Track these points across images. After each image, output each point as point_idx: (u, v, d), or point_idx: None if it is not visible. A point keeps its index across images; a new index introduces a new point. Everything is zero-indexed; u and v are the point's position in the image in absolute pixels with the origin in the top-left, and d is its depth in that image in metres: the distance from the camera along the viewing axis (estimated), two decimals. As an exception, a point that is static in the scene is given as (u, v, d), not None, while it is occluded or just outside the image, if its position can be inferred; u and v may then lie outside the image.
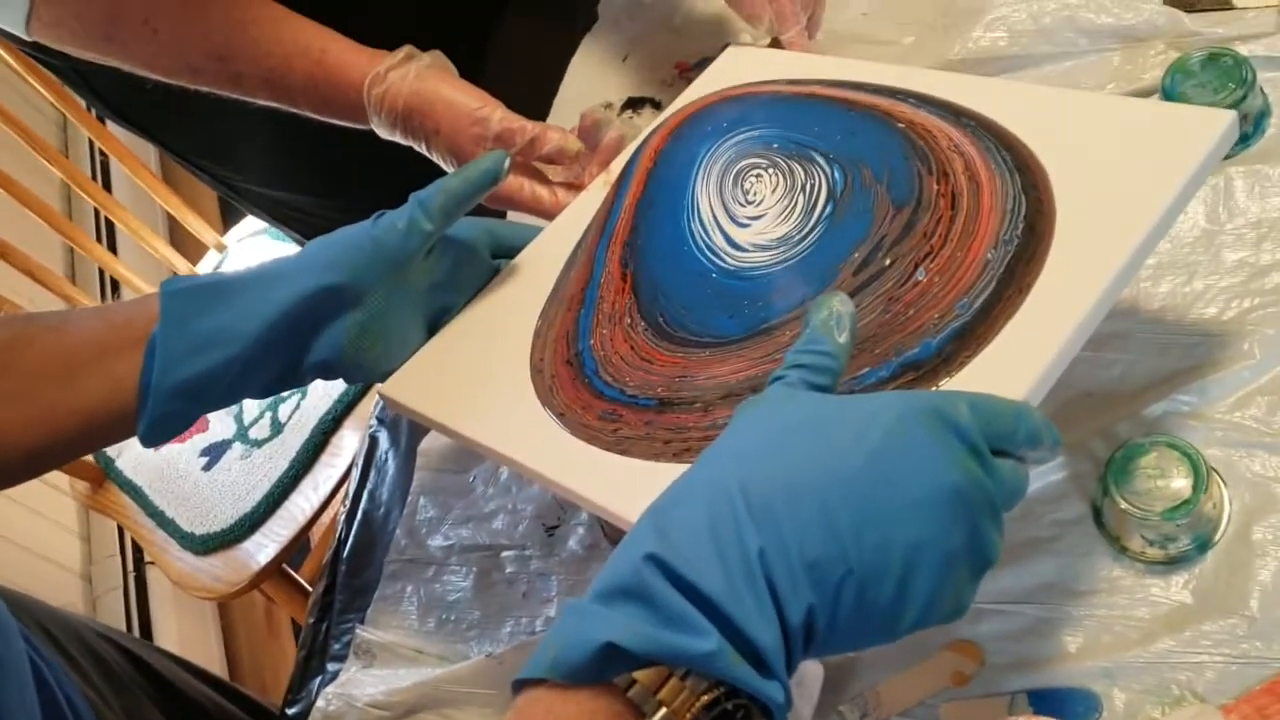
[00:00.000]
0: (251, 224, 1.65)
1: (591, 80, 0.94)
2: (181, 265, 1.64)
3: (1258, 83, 0.66)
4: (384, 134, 0.75)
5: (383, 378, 0.66)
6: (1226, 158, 0.67)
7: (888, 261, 0.56)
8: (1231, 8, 0.73)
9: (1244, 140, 0.67)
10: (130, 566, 1.82)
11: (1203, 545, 0.57)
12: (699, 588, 0.40)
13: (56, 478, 1.59)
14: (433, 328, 0.68)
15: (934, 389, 0.50)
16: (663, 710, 0.39)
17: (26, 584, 1.64)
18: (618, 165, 0.72)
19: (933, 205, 0.57)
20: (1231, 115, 0.53)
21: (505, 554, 0.74)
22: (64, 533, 1.82)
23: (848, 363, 0.48)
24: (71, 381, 0.59)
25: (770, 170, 0.64)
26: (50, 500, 1.75)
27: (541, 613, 0.71)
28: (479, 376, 0.64)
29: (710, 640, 0.39)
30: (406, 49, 0.74)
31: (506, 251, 0.71)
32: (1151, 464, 0.56)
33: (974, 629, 0.59)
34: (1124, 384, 0.63)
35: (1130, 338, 0.64)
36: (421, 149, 0.75)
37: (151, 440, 0.61)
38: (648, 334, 0.61)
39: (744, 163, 0.66)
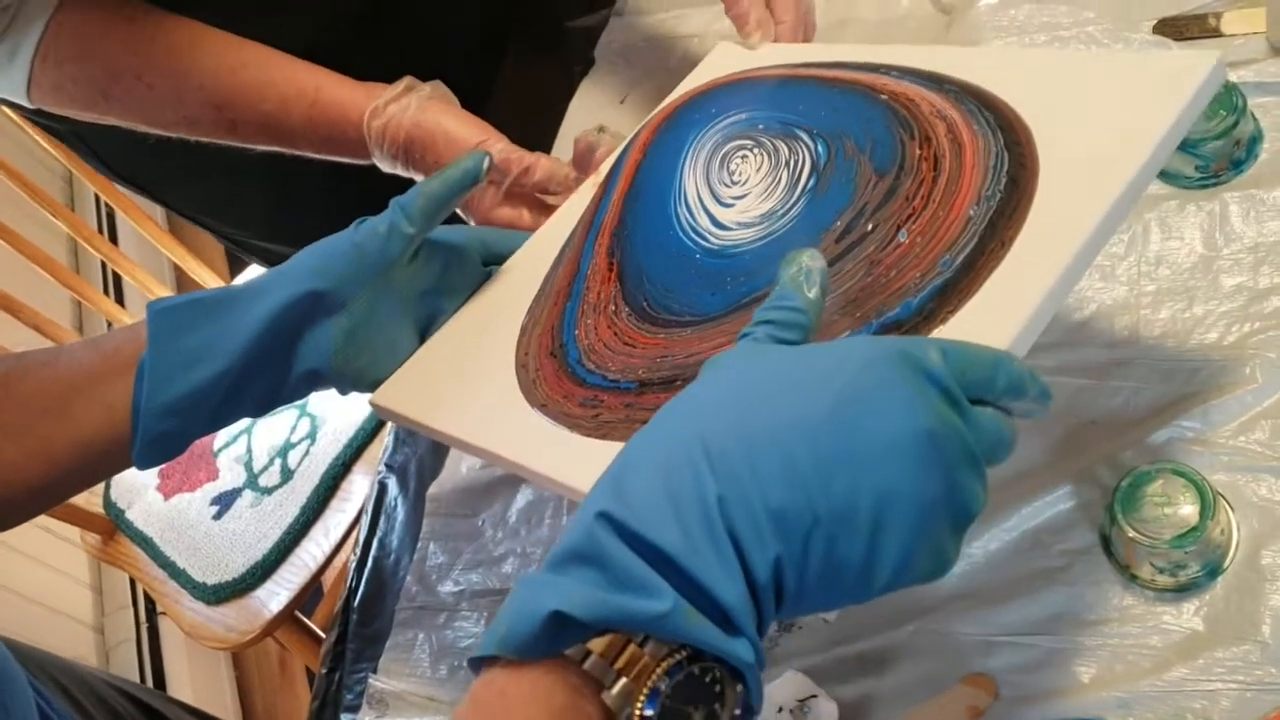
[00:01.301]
0: (256, 272, 1.66)
1: (590, 122, 0.94)
2: (188, 315, 1.65)
3: (1249, 108, 0.67)
4: (386, 167, 0.76)
5: (372, 386, 0.65)
6: (1221, 183, 0.67)
7: (870, 227, 0.55)
8: (1220, 34, 0.74)
9: (1237, 166, 0.68)
10: (143, 618, 1.82)
11: (1213, 571, 0.56)
12: (653, 542, 0.37)
13: (67, 530, 1.60)
14: (424, 335, 0.67)
15: None
16: (622, 681, 0.37)
17: (39, 637, 1.63)
18: (606, 165, 0.72)
19: (915, 169, 0.56)
20: (1215, 56, 0.52)
21: (516, 598, 0.74)
22: (76, 585, 1.82)
23: (819, 319, 0.46)
24: (66, 412, 0.59)
25: (755, 150, 0.64)
26: (61, 553, 1.76)
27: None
28: (465, 378, 0.64)
29: (665, 599, 0.36)
30: (406, 80, 0.74)
31: (497, 258, 0.70)
32: (1158, 491, 0.57)
33: (987, 662, 0.59)
34: (1128, 411, 0.63)
35: (1133, 365, 0.64)
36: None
37: (146, 462, 0.60)
38: (631, 319, 0.61)
39: (730, 145, 0.66)
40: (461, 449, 0.62)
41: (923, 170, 0.56)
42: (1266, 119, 0.69)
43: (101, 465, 0.61)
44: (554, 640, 0.37)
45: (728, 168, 0.65)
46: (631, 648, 0.37)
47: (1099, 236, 0.49)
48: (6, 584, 1.63)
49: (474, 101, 1.01)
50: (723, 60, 0.74)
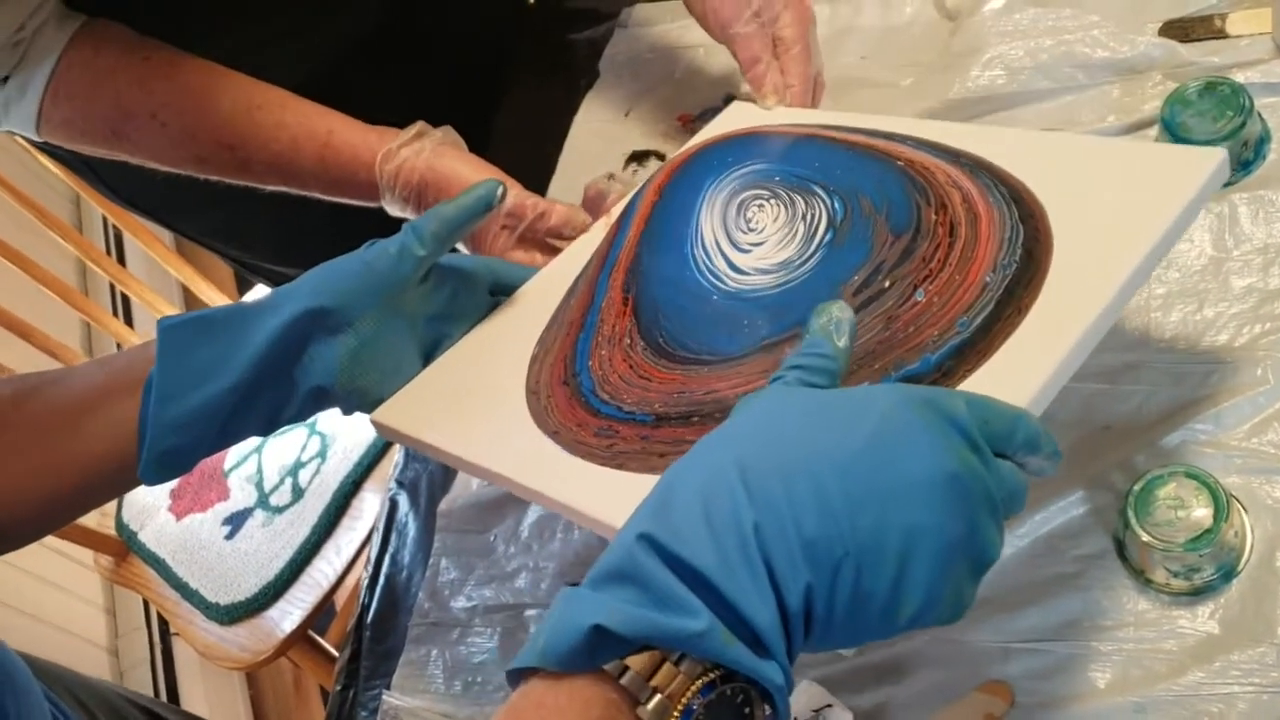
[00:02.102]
0: (264, 292, 1.66)
1: (595, 136, 0.95)
2: (198, 335, 1.65)
3: (1256, 109, 0.67)
4: (395, 211, 0.76)
5: (375, 406, 0.65)
6: (1229, 184, 0.67)
7: (887, 283, 0.56)
8: (1226, 36, 0.73)
9: (1245, 167, 0.68)
10: (156, 639, 1.82)
11: (1227, 574, 0.56)
12: (691, 564, 0.39)
13: (80, 553, 1.60)
14: (428, 358, 0.67)
15: None
16: (657, 697, 0.38)
17: (54, 659, 1.64)
18: (618, 208, 0.73)
19: (931, 233, 0.57)
20: (1221, 154, 0.54)
21: (529, 613, 0.74)
22: (89, 607, 1.82)
23: (847, 366, 0.47)
24: (75, 430, 0.59)
25: (772, 201, 0.65)
26: (74, 575, 1.76)
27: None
28: (473, 400, 0.64)
29: (701, 619, 0.38)
30: (418, 125, 0.75)
31: (505, 288, 0.71)
32: (1171, 495, 0.56)
33: (1003, 669, 0.59)
34: (1141, 415, 0.63)
35: (1145, 369, 0.64)
36: None
37: (153, 478, 0.60)
38: (646, 353, 0.61)
39: (747, 193, 0.67)
40: (467, 470, 0.62)
41: (939, 234, 0.57)
42: (1274, 119, 0.69)
43: (111, 482, 0.61)
44: (593, 654, 0.39)
45: (744, 215, 0.65)
46: (667, 665, 0.39)
47: (1109, 313, 0.50)
48: (20, 607, 1.63)
49: (479, 116, 1.02)
50: (738, 117, 0.76)
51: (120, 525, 1.49)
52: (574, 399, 0.60)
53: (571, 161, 0.94)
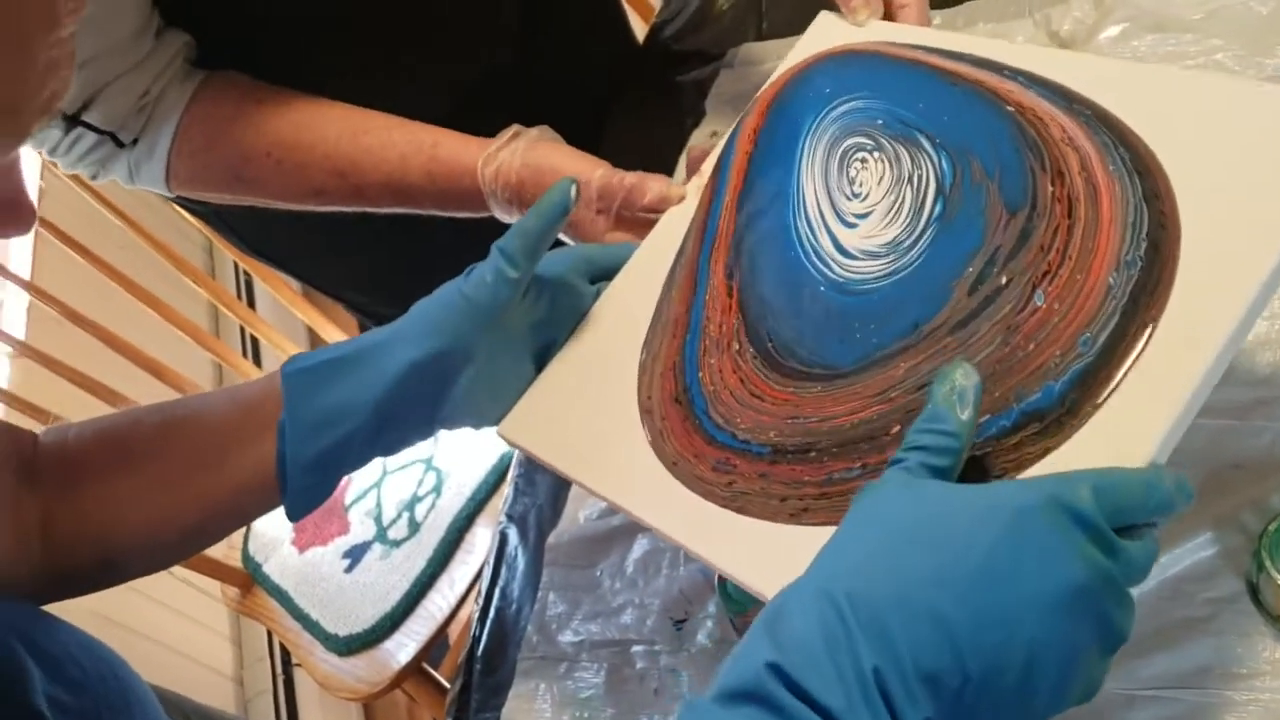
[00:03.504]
0: (382, 333, 1.71)
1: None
2: (321, 374, 1.70)
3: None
4: (502, 214, 0.77)
5: (496, 420, 0.66)
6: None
7: (1004, 280, 0.53)
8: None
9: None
10: (279, 669, 1.86)
11: (1373, 621, 0.53)
12: (818, 701, 0.40)
13: (208, 584, 1.65)
14: (540, 362, 0.67)
15: (1060, 445, 0.48)
16: None
17: (183, 688, 1.69)
18: (709, 164, 0.69)
19: (1049, 211, 0.53)
20: None
21: (635, 649, 0.74)
22: (217, 638, 1.88)
23: (971, 440, 0.46)
24: (218, 467, 0.62)
25: (876, 154, 0.61)
26: (203, 606, 1.82)
27: (673, 710, 0.70)
28: (590, 419, 0.63)
29: None
30: (514, 127, 0.76)
31: (604, 274, 0.70)
32: (1308, 536, 0.53)
33: (1128, 715, 0.56)
34: (1274, 453, 0.60)
35: (1277, 404, 0.61)
36: None
37: (297, 514, 0.63)
38: (757, 362, 0.59)
39: (849, 142, 0.62)
40: (591, 495, 0.62)
41: (1056, 214, 0.53)
42: None
43: (250, 512, 0.65)
44: None
45: (847, 173, 0.61)
46: None
47: (1245, 325, 0.46)
48: (154, 636, 1.69)
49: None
50: (826, 34, 0.69)
51: (246, 558, 1.54)
52: (688, 421, 0.60)
53: (680, 198, 0.94)
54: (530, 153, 0.74)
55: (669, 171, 0.96)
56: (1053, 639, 0.40)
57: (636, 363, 0.64)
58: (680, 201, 0.70)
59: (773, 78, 0.69)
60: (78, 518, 0.60)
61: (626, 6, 1.21)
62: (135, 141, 0.78)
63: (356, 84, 0.81)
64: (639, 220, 0.73)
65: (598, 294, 0.69)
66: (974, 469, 0.49)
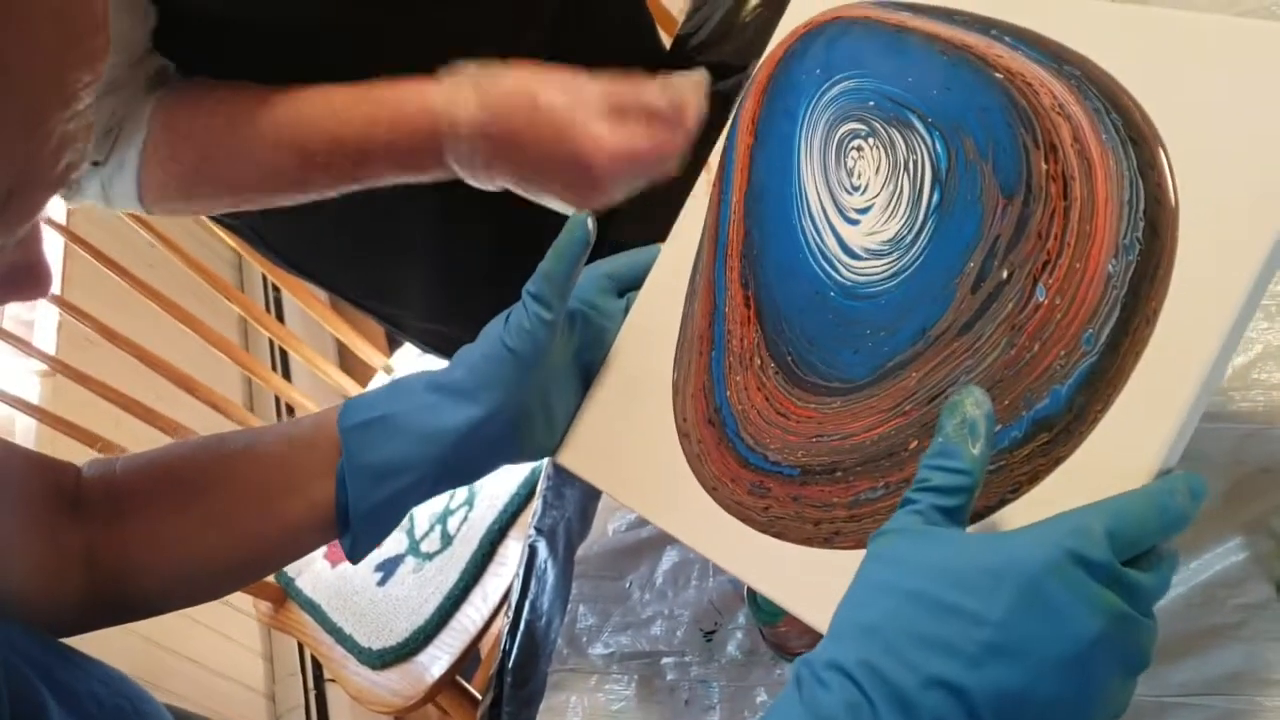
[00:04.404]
0: (413, 353, 1.72)
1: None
2: (352, 389, 1.71)
3: None
4: (462, 167, 0.73)
5: (553, 449, 0.67)
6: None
7: (1005, 274, 0.52)
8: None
9: None
10: (310, 685, 1.88)
11: (1406, 626, 0.52)
12: None
13: (240, 599, 1.66)
14: (586, 384, 0.68)
15: (1072, 454, 0.48)
16: None
17: (214, 704, 1.71)
18: (715, 156, 0.68)
19: (1043, 193, 0.51)
20: None
21: (665, 660, 0.74)
22: (249, 654, 1.89)
23: (983, 474, 0.46)
24: (271, 506, 0.63)
25: (870, 141, 0.60)
26: (235, 622, 1.83)
27: (704, 720, 0.70)
28: (635, 444, 0.64)
29: None
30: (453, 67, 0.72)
31: (630, 284, 0.70)
32: (1339, 540, 0.53)
33: (1159, 724, 0.56)
34: (1302, 456, 0.59)
35: (1304, 407, 0.60)
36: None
37: (360, 555, 0.65)
38: (779, 378, 0.60)
39: (844, 129, 0.61)
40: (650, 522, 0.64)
41: (1052, 194, 0.51)
42: None
43: (302, 550, 0.66)
44: None
45: (845, 164, 0.61)
46: None
47: (1250, 305, 0.45)
48: (186, 653, 1.71)
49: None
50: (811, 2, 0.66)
51: (278, 572, 1.55)
52: (722, 443, 0.61)
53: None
54: (496, 86, 0.71)
55: (687, 191, 0.96)
56: (1073, 691, 0.41)
57: (669, 382, 0.65)
58: (682, 107, 0.70)
59: (766, 52, 0.68)
60: (124, 550, 0.61)
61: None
62: (105, 160, 0.77)
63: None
64: (634, 114, 0.72)
65: (628, 306, 0.69)
66: (988, 486, 0.49)
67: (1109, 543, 0.42)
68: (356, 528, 0.63)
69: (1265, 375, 0.62)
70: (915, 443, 0.53)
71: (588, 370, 0.68)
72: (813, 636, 0.66)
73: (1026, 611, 0.41)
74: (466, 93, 0.71)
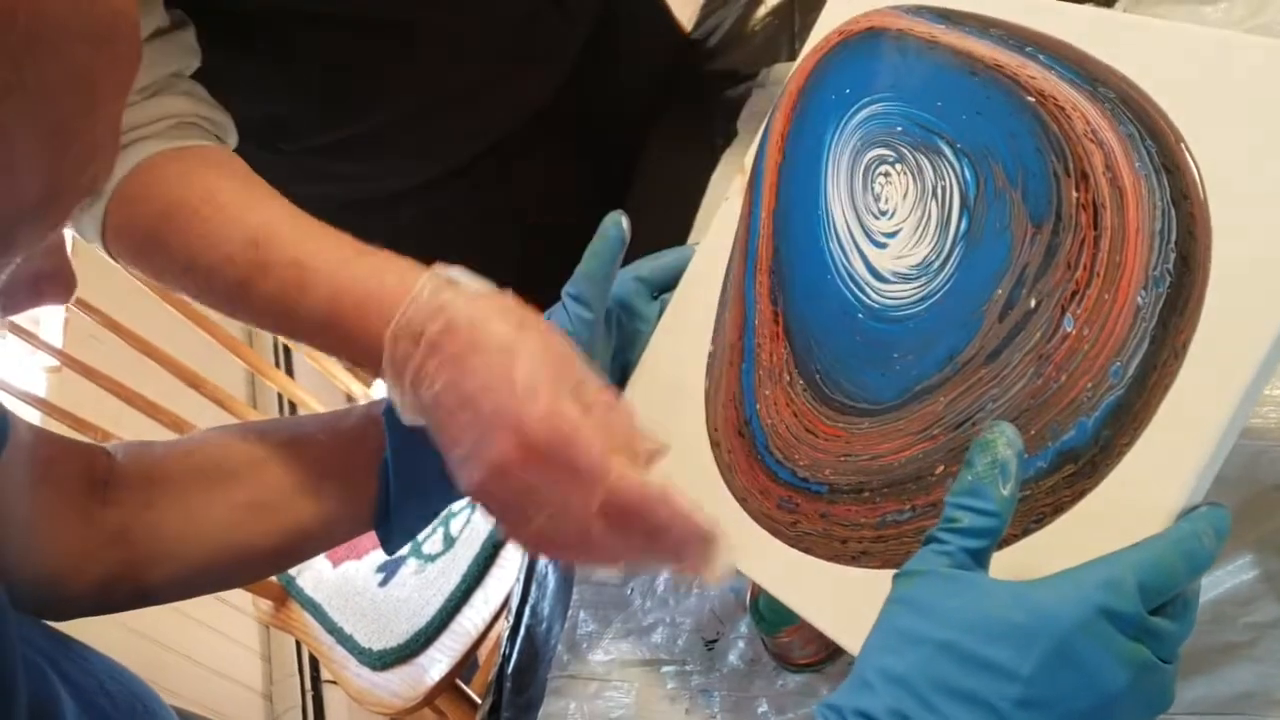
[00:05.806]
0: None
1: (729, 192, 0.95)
2: (356, 387, 1.71)
3: None
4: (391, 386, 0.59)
5: None
6: None
7: (1033, 303, 0.51)
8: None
9: None
10: (308, 686, 1.87)
11: None
12: None
13: (240, 598, 1.66)
14: (623, 385, 0.69)
15: (1097, 485, 0.48)
16: None
17: (212, 703, 1.70)
18: (748, 159, 0.68)
19: (1073, 222, 0.51)
20: None
21: (665, 668, 0.73)
22: (247, 653, 1.89)
23: (1011, 515, 0.45)
24: (314, 496, 0.64)
25: (898, 166, 0.59)
26: (234, 622, 1.83)
27: (704, 729, 0.70)
28: (672, 451, 0.63)
29: None
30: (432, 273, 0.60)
31: (663, 287, 0.70)
32: (1353, 560, 0.52)
33: (1167, 743, 0.55)
34: (1316, 474, 0.59)
35: (1319, 424, 0.60)
36: None
37: (395, 550, 0.66)
38: (807, 395, 0.60)
39: (871, 154, 0.60)
40: None
41: (1082, 224, 0.51)
42: None
43: (335, 541, 0.67)
44: None
45: (872, 189, 0.60)
46: None
47: (1275, 353, 0.44)
48: (184, 652, 1.71)
49: (619, 179, 1.03)
50: (842, 7, 0.65)
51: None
52: (752, 455, 0.61)
53: (708, 218, 0.94)
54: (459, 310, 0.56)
55: (698, 196, 0.96)
56: None
57: (702, 391, 0.65)
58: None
59: (801, 56, 0.67)
60: (156, 533, 0.62)
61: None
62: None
63: (417, 104, 0.80)
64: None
65: (662, 308, 0.69)
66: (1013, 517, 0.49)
67: (1140, 595, 0.42)
68: (398, 525, 0.64)
69: (1278, 391, 0.62)
70: (942, 467, 0.53)
71: (624, 371, 0.69)
72: (815, 647, 0.66)
73: (1058, 668, 0.41)
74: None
